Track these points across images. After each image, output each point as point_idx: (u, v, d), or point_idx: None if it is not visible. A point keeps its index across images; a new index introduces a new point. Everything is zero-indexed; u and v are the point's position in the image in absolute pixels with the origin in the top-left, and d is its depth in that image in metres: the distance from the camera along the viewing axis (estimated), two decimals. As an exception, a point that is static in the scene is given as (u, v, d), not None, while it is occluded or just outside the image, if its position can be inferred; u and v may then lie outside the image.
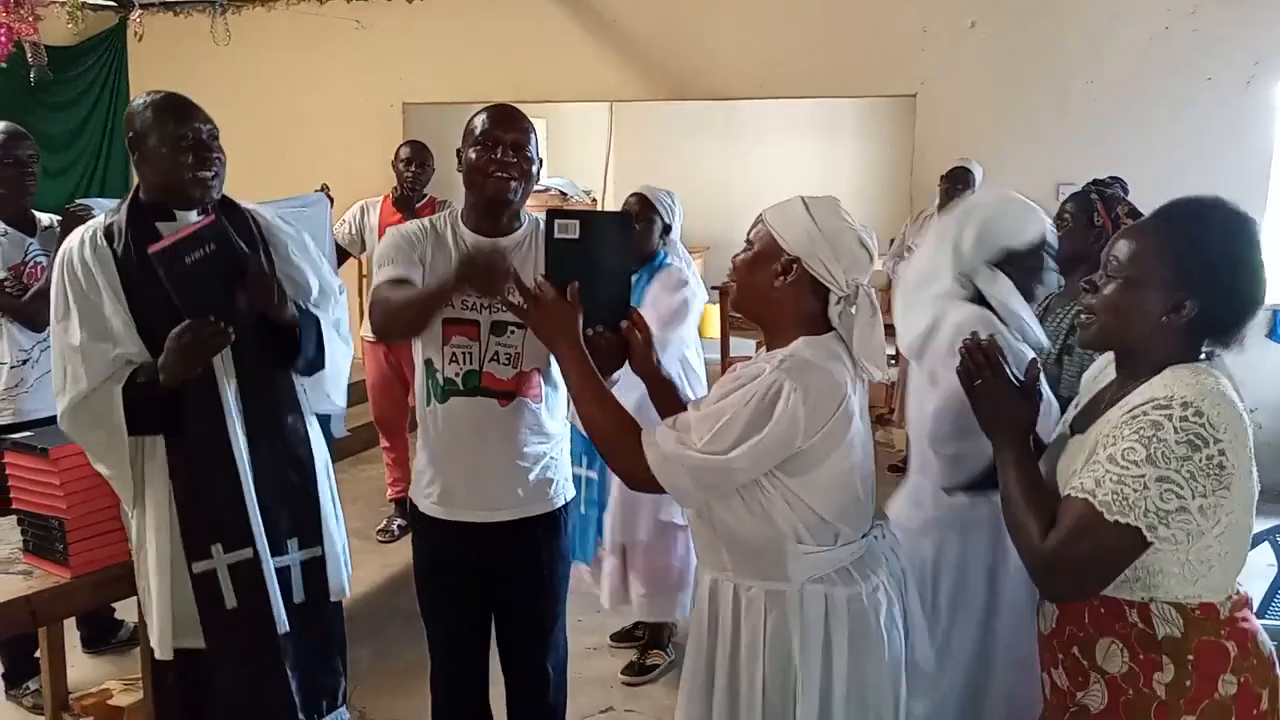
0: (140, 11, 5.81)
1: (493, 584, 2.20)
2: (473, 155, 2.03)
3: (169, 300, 1.89)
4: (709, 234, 8.25)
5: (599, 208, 8.33)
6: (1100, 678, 1.44)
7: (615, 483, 3.10)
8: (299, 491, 2.14)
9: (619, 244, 1.74)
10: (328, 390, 2.24)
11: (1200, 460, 1.31)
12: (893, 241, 5.81)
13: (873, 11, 5.84)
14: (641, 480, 1.61)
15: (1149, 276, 1.41)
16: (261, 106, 6.69)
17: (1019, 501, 1.43)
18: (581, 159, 9.39)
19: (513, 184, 2.03)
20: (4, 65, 4.86)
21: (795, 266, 1.61)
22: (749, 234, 1.71)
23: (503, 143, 2.01)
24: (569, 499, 2.25)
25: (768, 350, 1.68)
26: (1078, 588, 1.40)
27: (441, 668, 2.28)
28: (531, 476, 2.12)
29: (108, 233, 2.00)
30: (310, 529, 2.15)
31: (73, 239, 2.02)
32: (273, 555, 2.07)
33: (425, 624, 2.28)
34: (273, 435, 2.10)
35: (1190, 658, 1.39)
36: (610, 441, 1.66)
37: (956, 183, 5.02)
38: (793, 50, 5.99)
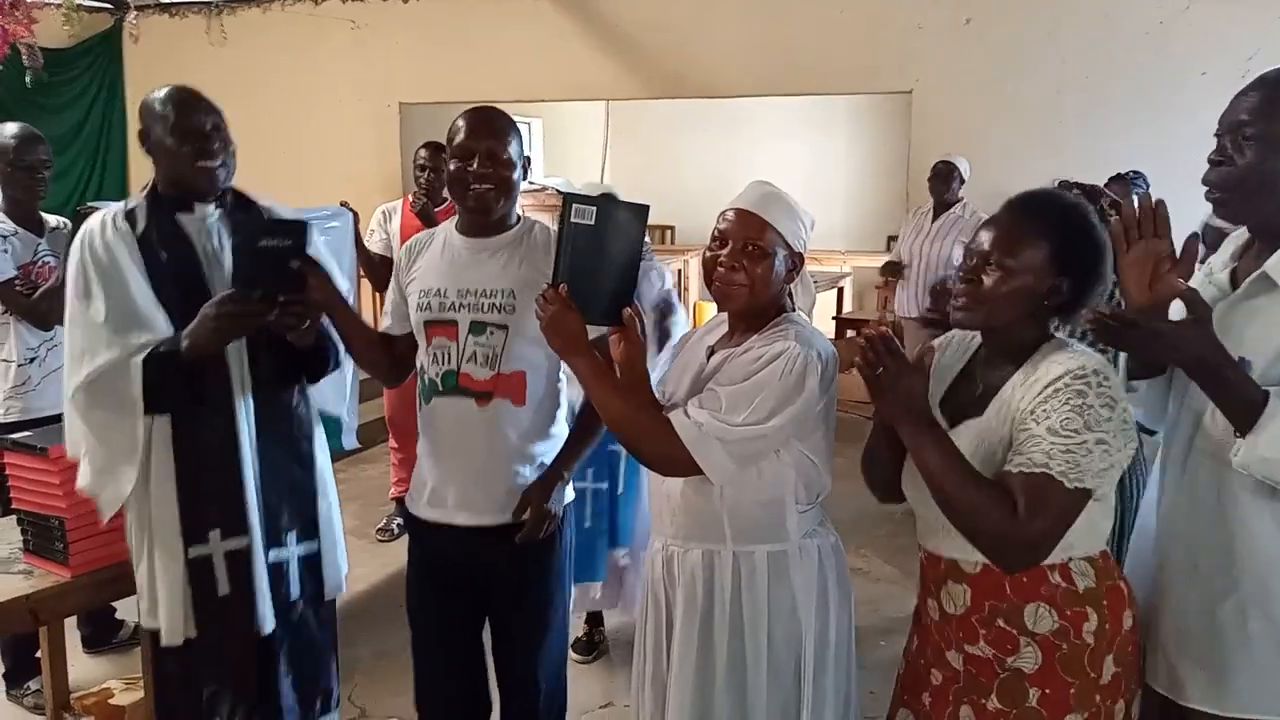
0: (136, 13, 5.83)
1: (480, 592, 2.16)
2: (452, 167, 2.02)
3: (187, 286, 1.95)
4: (706, 233, 8.26)
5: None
6: (1031, 640, 1.52)
7: (646, 486, 3.11)
8: (301, 485, 2.14)
9: (633, 234, 1.72)
10: (330, 402, 2.26)
11: (1116, 419, 1.44)
12: (890, 241, 5.82)
13: (868, 8, 5.85)
14: (677, 462, 1.64)
15: (1029, 264, 1.50)
16: (258, 107, 6.69)
17: (964, 484, 1.45)
18: (578, 158, 9.41)
19: (490, 195, 2.01)
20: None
21: (801, 259, 1.75)
22: (742, 234, 1.70)
23: (477, 153, 1.99)
24: (562, 508, 2.16)
25: (741, 333, 1.75)
26: (1040, 556, 1.47)
27: (424, 680, 2.23)
28: (515, 482, 2.07)
29: (129, 216, 2.03)
30: (309, 523, 2.15)
31: (91, 222, 2.02)
32: (272, 547, 2.08)
33: (412, 636, 2.23)
34: (280, 426, 2.11)
35: (1105, 603, 1.52)
36: (640, 430, 1.69)
37: (944, 179, 5.09)
38: (788, 48, 6.00)
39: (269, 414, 2.08)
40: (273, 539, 2.08)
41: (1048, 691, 1.51)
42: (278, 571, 2.09)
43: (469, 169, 1.99)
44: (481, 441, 2.05)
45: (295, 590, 2.12)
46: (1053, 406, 1.44)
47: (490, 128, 2.02)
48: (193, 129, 1.99)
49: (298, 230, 1.93)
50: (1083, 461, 1.41)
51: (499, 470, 2.07)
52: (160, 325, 1.97)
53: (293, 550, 2.12)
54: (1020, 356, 1.53)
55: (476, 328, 2.03)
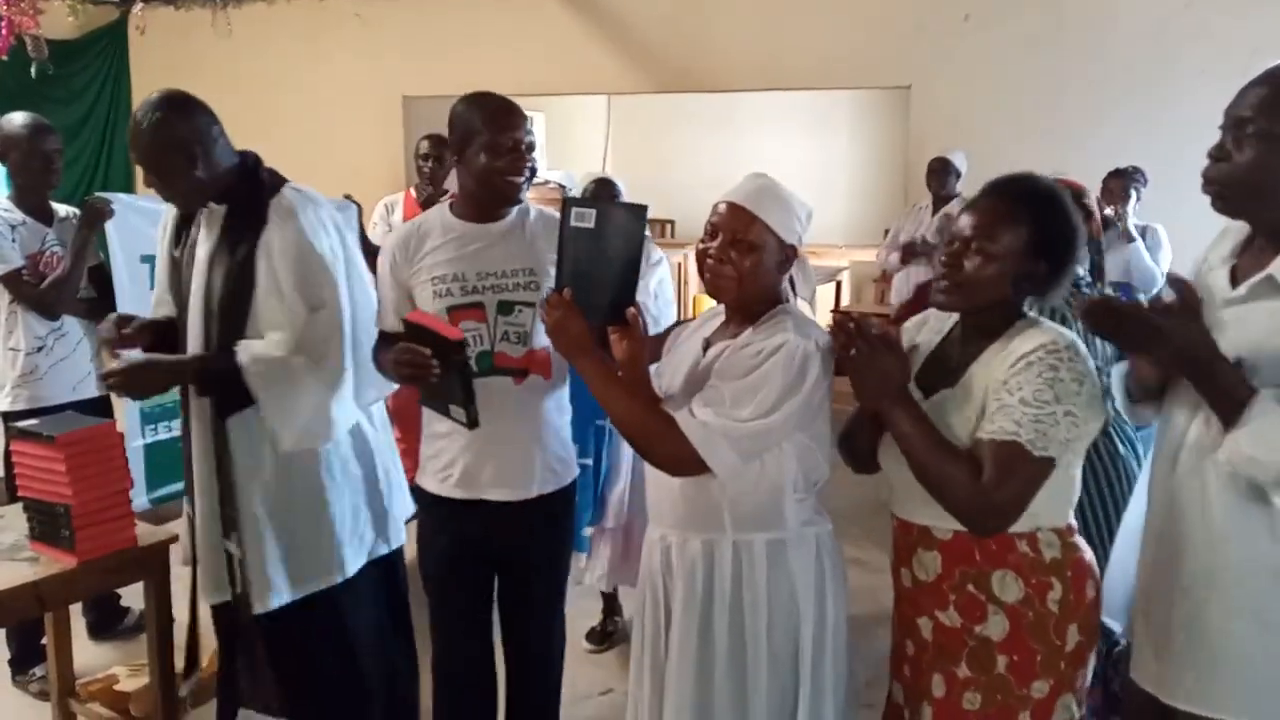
0: (141, 5, 5.84)
1: (500, 564, 2.23)
2: (485, 158, 2.04)
3: (173, 269, 2.19)
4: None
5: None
6: (999, 608, 1.58)
7: (625, 465, 3.19)
8: (226, 489, 2.11)
9: (633, 235, 1.74)
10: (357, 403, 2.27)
11: (1085, 393, 1.52)
12: (886, 233, 5.84)
13: (869, 5, 5.87)
14: (684, 461, 1.66)
15: (1009, 249, 1.56)
16: (263, 100, 6.72)
17: (936, 453, 1.53)
18: (580, 151, 9.42)
19: (525, 185, 2.10)
20: (5, 59, 4.89)
21: (794, 251, 1.76)
22: (731, 227, 1.71)
23: (521, 145, 2.06)
24: (576, 475, 2.28)
25: (737, 325, 1.76)
26: (1008, 520, 1.53)
27: (445, 651, 2.29)
28: (549, 453, 2.16)
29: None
30: (233, 528, 2.11)
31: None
32: (225, 536, 2.11)
33: (431, 609, 2.28)
34: (229, 427, 2.10)
35: (1069, 573, 1.59)
36: (648, 432, 1.70)
37: (940, 175, 5.14)
38: (789, 43, 6.02)
39: (220, 412, 2.08)
40: (224, 527, 2.10)
41: (1015, 659, 1.57)
42: (231, 561, 2.11)
43: (515, 163, 2.05)
44: (517, 418, 2.11)
45: (239, 586, 2.12)
46: (1026, 378, 1.51)
47: (522, 117, 2.09)
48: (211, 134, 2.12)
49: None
50: (1050, 431, 1.48)
51: (535, 444, 2.14)
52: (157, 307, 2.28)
53: (232, 548, 2.11)
54: (995, 333, 1.60)
55: (505, 307, 2.08)
